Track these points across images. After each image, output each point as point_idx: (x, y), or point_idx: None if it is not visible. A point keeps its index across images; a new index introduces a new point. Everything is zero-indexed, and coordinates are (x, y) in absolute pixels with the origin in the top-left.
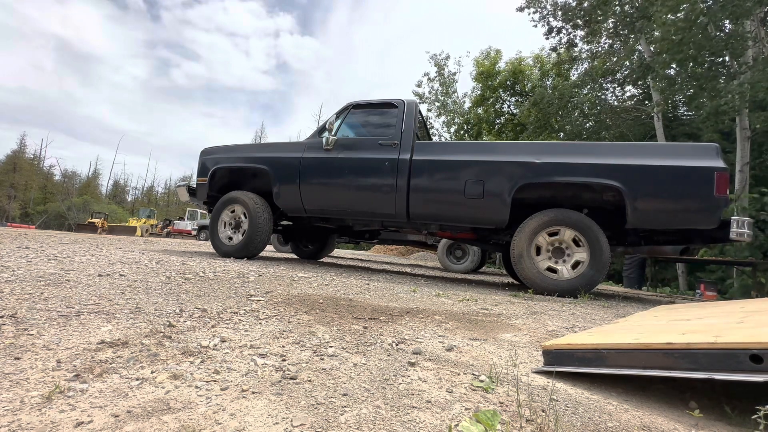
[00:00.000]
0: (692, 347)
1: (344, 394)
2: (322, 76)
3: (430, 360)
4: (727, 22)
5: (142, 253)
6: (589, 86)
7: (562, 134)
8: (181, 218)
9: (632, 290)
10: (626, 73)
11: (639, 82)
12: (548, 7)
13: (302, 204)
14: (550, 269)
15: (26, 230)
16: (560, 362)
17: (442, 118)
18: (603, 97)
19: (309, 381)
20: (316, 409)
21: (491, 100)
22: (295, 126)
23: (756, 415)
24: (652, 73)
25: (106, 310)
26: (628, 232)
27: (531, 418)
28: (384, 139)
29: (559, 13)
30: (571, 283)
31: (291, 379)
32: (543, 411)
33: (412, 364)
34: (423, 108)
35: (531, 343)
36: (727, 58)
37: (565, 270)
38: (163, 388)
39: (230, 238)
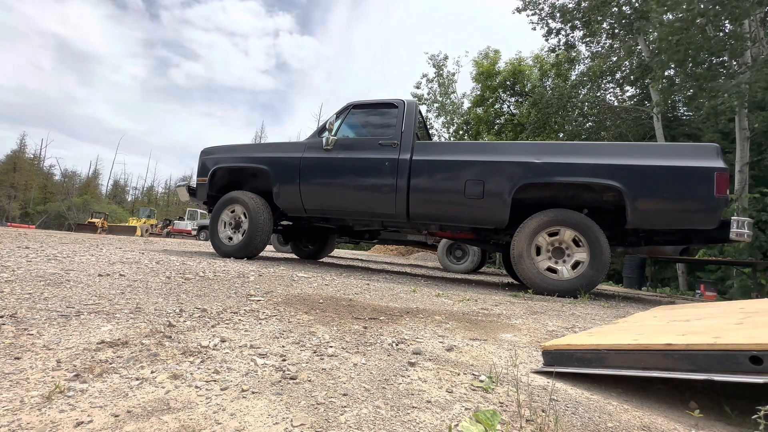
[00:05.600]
0: (692, 348)
1: (344, 394)
2: (322, 76)
3: (430, 360)
4: (727, 22)
5: (142, 253)
6: (588, 86)
7: (561, 134)
8: (181, 218)
9: (632, 290)
10: (625, 73)
11: (638, 83)
12: (546, 8)
13: (302, 204)
14: (550, 269)
15: (26, 230)
16: (560, 362)
17: (442, 118)
18: (602, 97)
19: (309, 381)
20: (316, 409)
21: (491, 100)
22: (295, 126)
23: (756, 415)
24: (651, 74)
25: (106, 310)
26: (628, 232)
27: (531, 418)
28: (384, 139)
29: (557, 14)
30: (571, 283)
31: (291, 379)
32: (543, 411)
33: (412, 364)
34: (422, 109)
35: (531, 343)
36: (726, 58)
37: (565, 270)
38: (163, 388)
39: (230, 238)
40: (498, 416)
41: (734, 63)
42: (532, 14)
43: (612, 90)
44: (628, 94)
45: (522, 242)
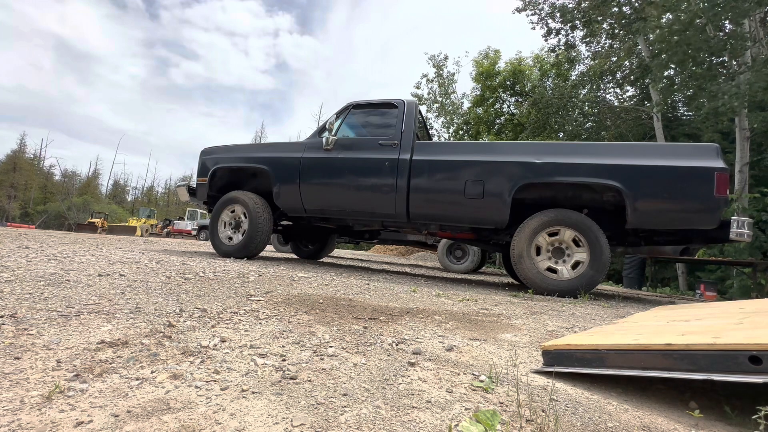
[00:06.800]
0: (691, 348)
1: (344, 394)
2: (322, 76)
3: (430, 360)
4: (727, 22)
5: (142, 253)
6: (588, 86)
7: (561, 134)
8: (181, 218)
9: (632, 290)
10: (626, 73)
11: (638, 83)
12: (546, 8)
13: (302, 204)
14: (550, 269)
15: (26, 230)
16: (560, 362)
17: (442, 118)
18: (602, 97)
19: (309, 381)
20: (316, 409)
21: (491, 100)
22: (295, 126)
23: (756, 416)
24: (651, 74)
25: (106, 310)
26: (628, 232)
27: (531, 418)
28: (384, 139)
29: (557, 14)
30: (571, 283)
31: (291, 379)
32: (543, 411)
33: (412, 364)
34: (422, 109)
35: (531, 343)
36: (726, 58)
37: (565, 270)
38: (163, 388)
39: (230, 238)
40: (498, 416)
41: (734, 63)
42: (532, 14)
43: (612, 90)
44: (628, 94)
45: (522, 242)
